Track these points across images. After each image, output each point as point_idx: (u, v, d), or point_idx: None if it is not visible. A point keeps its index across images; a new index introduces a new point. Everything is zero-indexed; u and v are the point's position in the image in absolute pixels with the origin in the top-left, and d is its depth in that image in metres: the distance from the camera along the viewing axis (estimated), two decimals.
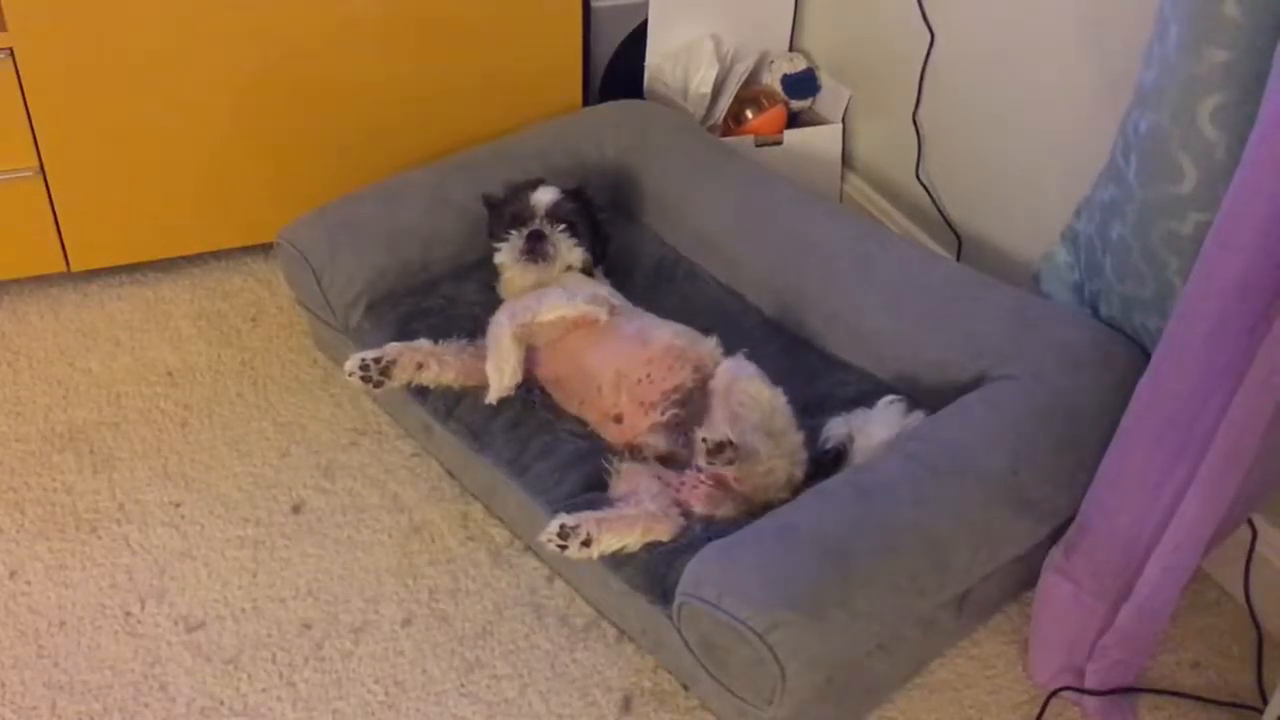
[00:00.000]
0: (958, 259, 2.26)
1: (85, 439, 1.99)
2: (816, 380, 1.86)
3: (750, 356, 1.73)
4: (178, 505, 1.88)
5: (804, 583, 1.40)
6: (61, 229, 2.20)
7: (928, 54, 2.25)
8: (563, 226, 1.89)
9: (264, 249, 2.39)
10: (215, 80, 2.16)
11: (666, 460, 1.69)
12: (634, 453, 1.72)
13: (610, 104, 2.39)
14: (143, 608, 1.72)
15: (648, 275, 2.11)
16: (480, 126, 2.35)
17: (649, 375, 1.74)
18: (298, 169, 2.29)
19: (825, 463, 1.67)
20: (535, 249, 1.87)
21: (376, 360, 1.78)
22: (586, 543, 1.54)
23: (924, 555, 1.48)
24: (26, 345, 2.19)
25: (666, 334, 1.80)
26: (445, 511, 1.88)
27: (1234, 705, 1.63)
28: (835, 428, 1.71)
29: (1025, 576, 1.67)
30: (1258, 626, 1.72)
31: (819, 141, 2.57)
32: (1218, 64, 1.41)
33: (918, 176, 2.37)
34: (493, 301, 1.94)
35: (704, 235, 2.13)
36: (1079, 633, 1.58)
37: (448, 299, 2.02)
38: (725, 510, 1.62)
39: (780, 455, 1.62)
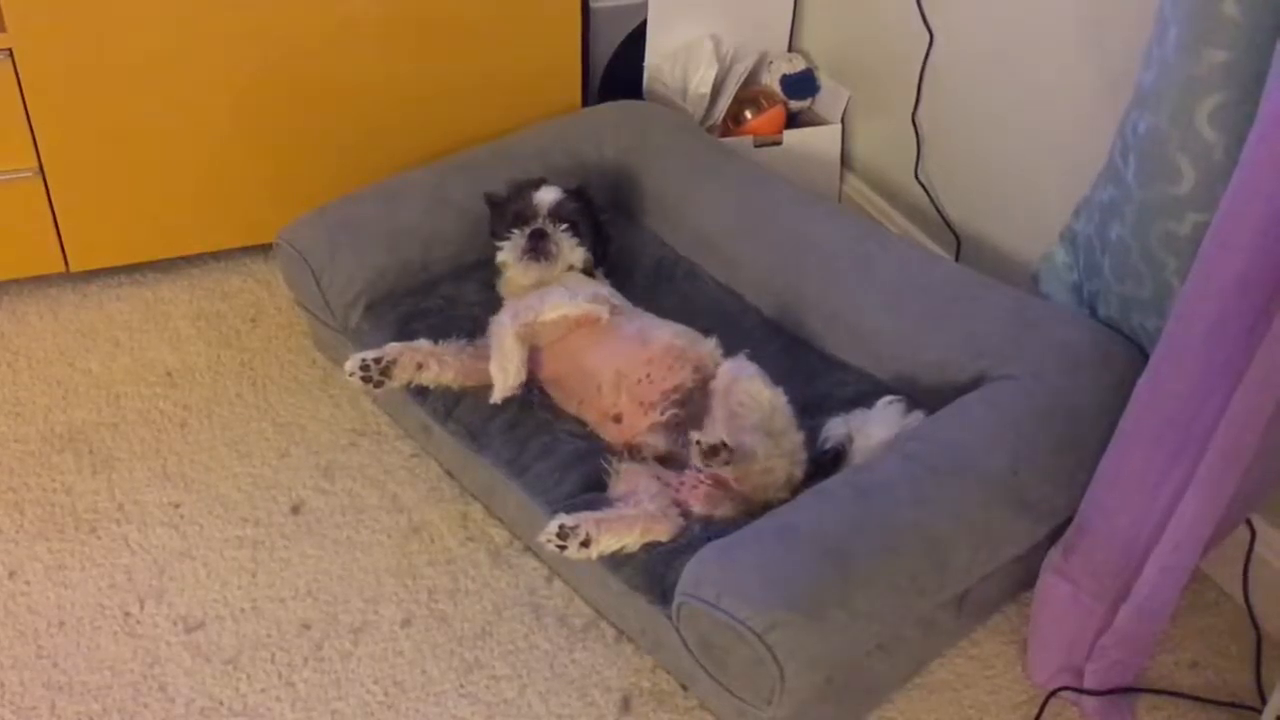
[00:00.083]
0: (957, 259, 2.26)
1: (84, 439, 1.99)
2: (816, 380, 1.86)
3: (750, 357, 1.73)
4: (177, 506, 1.88)
5: (803, 583, 1.40)
6: (61, 229, 2.20)
7: (927, 54, 2.25)
8: (565, 226, 1.89)
9: (263, 249, 2.39)
10: (214, 80, 2.16)
11: (666, 460, 1.70)
12: (633, 453, 1.72)
13: (609, 104, 2.39)
14: (142, 608, 1.72)
15: (647, 275, 2.11)
16: (480, 127, 2.35)
17: (649, 375, 1.74)
18: (297, 169, 2.29)
19: (824, 463, 1.67)
20: (538, 248, 1.87)
21: (377, 360, 1.78)
22: (585, 543, 1.54)
23: (923, 555, 1.48)
24: (26, 345, 2.19)
25: (666, 334, 1.80)
26: (444, 512, 1.88)
27: (1232, 705, 1.63)
28: (834, 428, 1.71)
29: (1024, 577, 1.67)
30: (1256, 627, 1.72)
31: (818, 142, 2.57)
32: (1216, 65, 1.41)
33: (917, 177, 2.37)
34: (493, 301, 1.95)
35: (703, 235, 2.13)
36: (1078, 633, 1.58)
37: (447, 299, 2.02)
38: (724, 510, 1.62)
39: (780, 455, 1.62)
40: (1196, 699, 1.63)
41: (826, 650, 1.41)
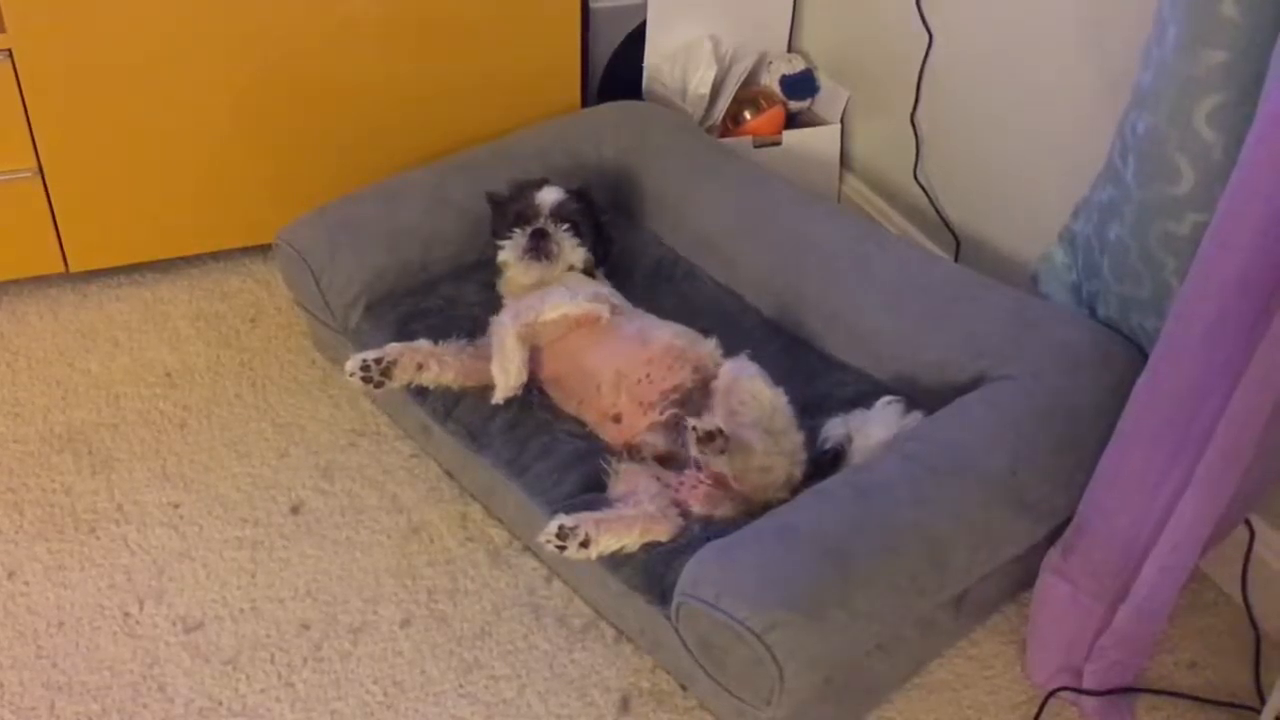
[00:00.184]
0: (956, 260, 2.26)
1: (84, 440, 1.99)
2: (815, 380, 1.86)
3: (750, 357, 1.73)
4: (176, 506, 1.88)
5: (802, 583, 1.40)
6: (60, 230, 2.20)
7: (926, 55, 2.25)
8: (566, 226, 1.90)
9: (263, 250, 2.39)
10: (214, 81, 2.16)
11: (665, 460, 1.70)
12: (632, 453, 1.72)
13: (609, 105, 2.39)
14: (141, 608, 1.72)
15: (647, 276, 2.11)
16: (479, 127, 2.35)
17: (648, 375, 1.75)
18: (297, 169, 2.29)
19: (824, 463, 1.67)
20: (539, 247, 1.88)
21: (377, 361, 1.78)
22: (585, 543, 1.54)
23: (922, 555, 1.48)
24: (25, 346, 2.19)
25: (666, 334, 1.80)
26: (444, 512, 1.88)
27: (1231, 705, 1.63)
28: (834, 428, 1.71)
29: (1023, 577, 1.67)
30: (1255, 627, 1.72)
31: (817, 142, 2.57)
32: (1215, 65, 1.42)
33: (916, 177, 2.37)
34: (493, 302, 1.95)
35: (703, 236, 2.13)
36: (1077, 633, 1.58)
37: (447, 299, 2.02)
38: (724, 510, 1.62)
39: (779, 454, 1.62)
40: (1195, 699, 1.63)
41: (826, 650, 1.41)
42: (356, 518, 1.87)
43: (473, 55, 2.32)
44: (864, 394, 1.78)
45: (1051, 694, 1.62)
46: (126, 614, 1.71)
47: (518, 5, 2.30)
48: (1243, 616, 1.74)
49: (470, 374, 1.83)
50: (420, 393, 1.84)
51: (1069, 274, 1.86)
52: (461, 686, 1.63)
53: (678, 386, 1.73)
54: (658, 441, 1.71)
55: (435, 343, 1.84)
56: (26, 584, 1.75)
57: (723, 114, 2.56)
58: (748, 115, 2.57)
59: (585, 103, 2.49)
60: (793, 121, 2.63)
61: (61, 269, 2.26)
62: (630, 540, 1.56)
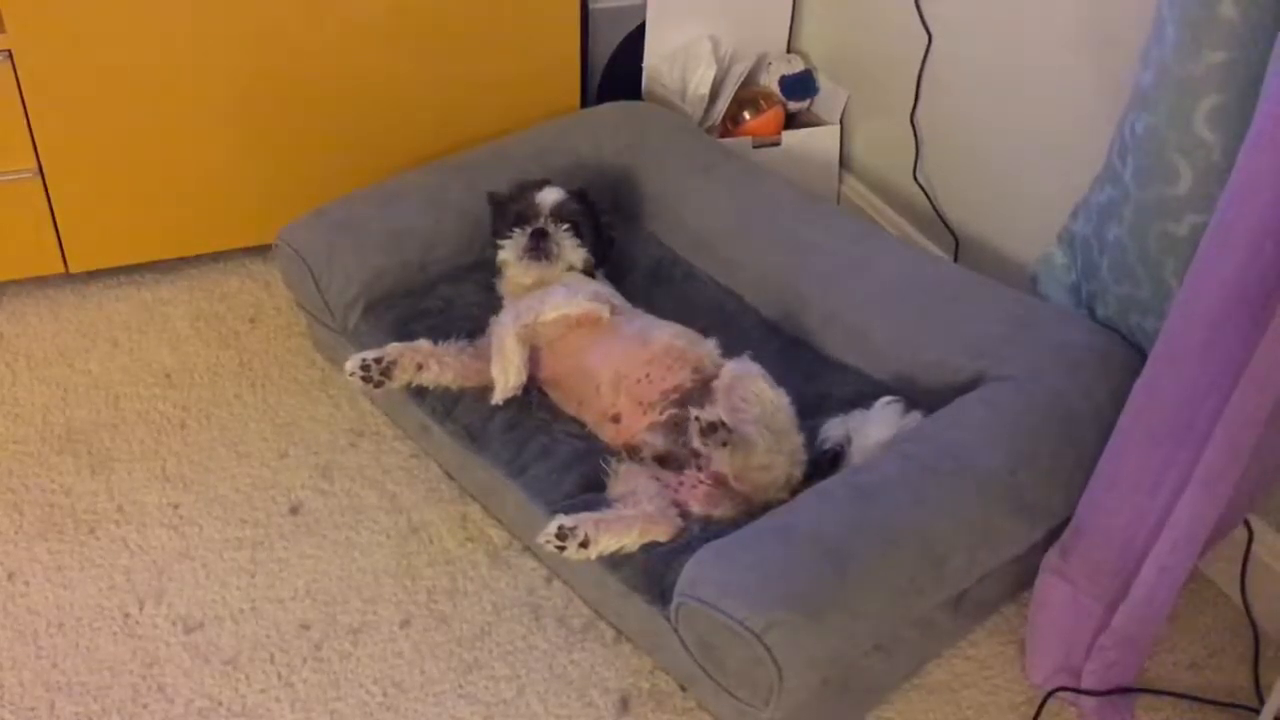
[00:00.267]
0: (955, 260, 2.26)
1: (84, 440, 1.99)
2: (814, 381, 1.86)
3: (750, 358, 1.73)
4: (176, 506, 1.88)
5: (801, 583, 1.41)
6: (60, 230, 2.20)
7: (925, 55, 2.25)
8: (566, 226, 1.90)
9: (262, 250, 2.39)
10: (214, 81, 2.16)
11: (664, 460, 1.70)
12: (631, 453, 1.72)
13: (608, 105, 2.39)
14: (141, 609, 1.72)
15: (646, 276, 2.11)
16: (479, 128, 2.35)
17: (648, 375, 1.75)
18: (296, 170, 2.29)
19: (823, 463, 1.67)
20: (539, 247, 1.88)
21: (377, 361, 1.78)
22: (584, 544, 1.54)
23: (921, 556, 1.48)
24: (25, 346, 2.19)
25: (666, 334, 1.80)
26: (443, 512, 1.88)
27: (1231, 705, 1.63)
28: (833, 428, 1.71)
29: (1022, 577, 1.67)
30: (1254, 627, 1.72)
31: (817, 143, 2.58)
32: (1214, 65, 1.42)
33: (915, 178, 2.37)
34: (491, 302, 1.95)
35: (702, 236, 2.13)
36: (1076, 633, 1.59)
37: (446, 300, 2.02)
38: (723, 510, 1.62)
39: (780, 453, 1.62)
40: (1195, 699, 1.63)
41: (825, 650, 1.41)
42: (356, 518, 1.87)
43: (472, 56, 2.32)
44: (863, 394, 1.78)
45: (1050, 694, 1.62)
46: (126, 614, 1.71)
47: (517, 6, 2.30)
48: (1242, 616, 1.75)
49: (470, 374, 1.83)
50: (419, 393, 1.84)
51: (1068, 274, 1.86)
52: (461, 687, 1.63)
53: (677, 387, 1.73)
54: (657, 442, 1.71)
55: (435, 343, 1.84)
56: (26, 584, 1.75)
57: (722, 114, 2.56)
58: (747, 116, 2.57)
59: (585, 103, 2.49)
60: (792, 122, 2.63)
61: (61, 269, 2.26)
62: (629, 540, 1.56)
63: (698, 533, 1.58)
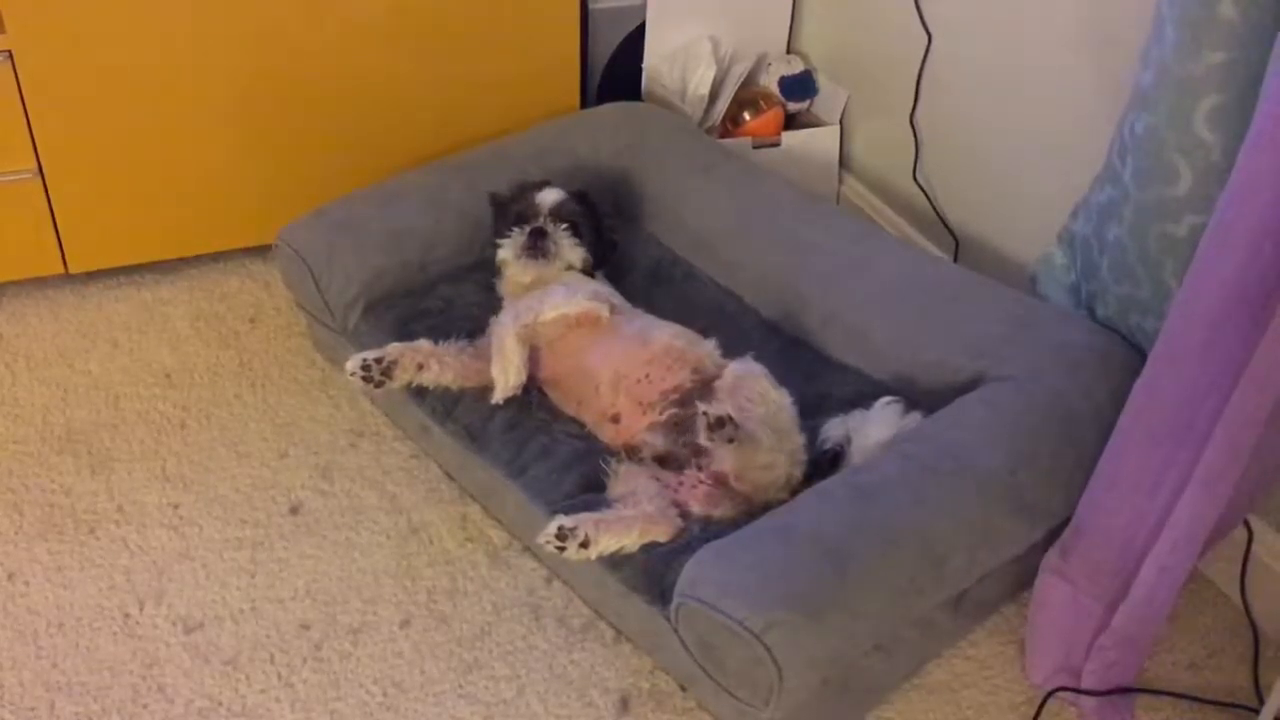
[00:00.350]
0: (955, 260, 2.26)
1: (84, 440, 1.99)
2: (814, 381, 1.86)
3: (752, 359, 1.73)
4: (176, 506, 1.88)
5: (801, 583, 1.41)
6: (60, 231, 2.20)
7: (925, 56, 2.25)
8: (565, 226, 1.90)
9: (262, 250, 2.39)
10: (214, 81, 2.16)
11: (664, 461, 1.70)
12: (631, 453, 1.72)
13: (608, 105, 2.39)
14: (141, 609, 1.72)
15: (646, 277, 2.11)
16: (479, 128, 2.35)
17: (648, 375, 1.75)
18: (296, 170, 2.29)
19: (823, 464, 1.67)
20: (536, 246, 1.89)
21: (378, 360, 1.78)
22: (584, 544, 1.54)
23: (921, 556, 1.48)
24: (25, 347, 2.19)
25: (666, 335, 1.80)
26: (443, 513, 1.88)
27: (1230, 705, 1.63)
28: (833, 429, 1.71)
29: (1022, 577, 1.67)
30: (1254, 627, 1.73)
31: (816, 143, 2.58)
32: (1214, 65, 1.42)
33: (915, 178, 2.37)
34: (491, 303, 1.95)
35: (702, 237, 2.13)
36: (1076, 633, 1.59)
37: (446, 300, 2.02)
38: (723, 510, 1.62)
39: (782, 453, 1.62)
40: (1194, 699, 1.63)
41: (824, 650, 1.41)
42: (356, 518, 1.87)
43: (472, 56, 2.32)
44: (863, 394, 1.78)
45: (1050, 694, 1.62)
46: (126, 614, 1.71)
47: (517, 6, 2.30)
48: (1241, 617, 1.75)
49: (470, 374, 1.83)
50: (420, 393, 1.84)
51: (1068, 275, 1.86)
52: (461, 687, 1.63)
53: (677, 387, 1.73)
54: (657, 442, 1.71)
55: (435, 343, 1.84)
56: (26, 584, 1.75)
57: (722, 115, 2.56)
58: (747, 116, 2.57)
59: (584, 104, 2.49)
60: (792, 122, 2.63)
61: (61, 270, 2.26)
62: (629, 541, 1.56)
63: (698, 533, 1.58)
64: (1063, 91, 1.95)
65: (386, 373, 1.78)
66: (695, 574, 1.44)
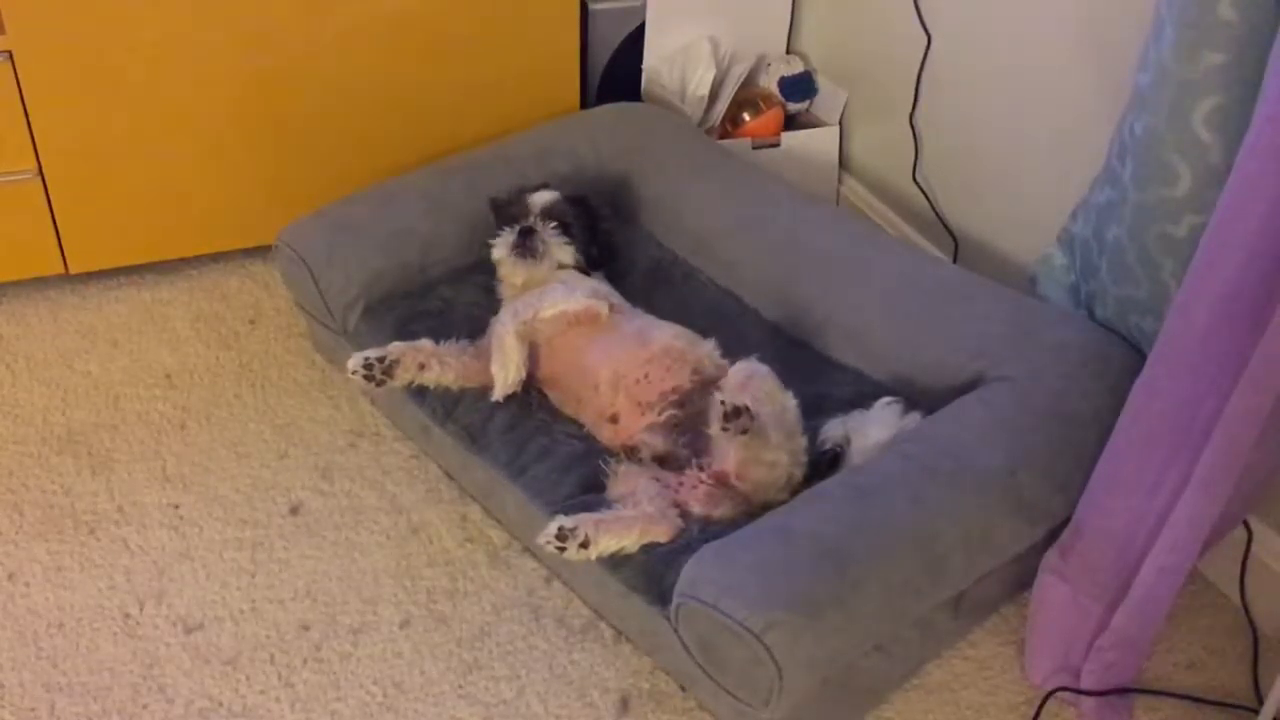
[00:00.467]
0: (954, 261, 2.26)
1: (84, 441, 1.99)
2: (813, 382, 1.86)
3: (756, 360, 1.73)
4: (176, 507, 1.88)
5: (801, 583, 1.41)
6: (60, 231, 2.21)
7: (925, 56, 2.25)
8: (554, 225, 1.91)
9: (262, 251, 2.39)
10: (214, 82, 2.17)
11: (664, 461, 1.70)
12: (630, 454, 1.72)
13: (608, 106, 2.39)
14: (141, 609, 1.72)
15: (645, 277, 2.11)
16: (478, 129, 2.35)
17: (647, 375, 1.75)
18: (296, 171, 2.29)
19: (822, 464, 1.67)
20: (525, 244, 1.90)
21: (380, 359, 1.79)
22: (584, 544, 1.54)
23: (921, 556, 1.48)
24: (25, 347, 2.19)
25: (666, 335, 1.80)
26: (443, 513, 1.88)
27: (1230, 706, 1.63)
28: (832, 429, 1.71)
29: (1022, 577, 1.67)
30: (1253, 627, 1.73)
31: (816, 144, 2.58)
32: (1213, 66, 1.42)
33: (914, 179, 2.37)
34: (491, 304, 1.95)
35: (701, 237, 2.13)
36: (1075, 633, 1.59)
37: (445, 301, 2.02)
38: (723, 510, 1.62)
39: (786, 451, 1.62)
40: (1194, 699, 1.64)
41: (824, 651, 1.41)
42: (356, 519, 1.87)
43: (472, 57, 2.32)
44: (862, 395, 1.78)
45: (1050, 694, 1.62)
46: (126, 615, 1.71)
47: (517, 7, 2.30)
48: (1241, 617, 1.75)
49: (470, 374, 1.83)
50: (420, 393, 1.84)
51: (1067, 275, 1.86)
52: (461, 687, 1.63)
53: (676, 388, 1.74)
54: (656, 442, 1.71)
55: (437, 343, 1.84)
56: (27, 585, 1.75)
57: (721, 115, 2.57)
58: (746, 117, 2.57)
59: (584, 104, 2.49)
60: (791, 123, 2.63)
61: (61, 270, 2.26)
62: (629, 541, 1.56)
63: (697, 533, 1.58)
64: (1062, 92, 1.95)
65: (388, 372, 1.79)
66: (695, 574, 1.44)
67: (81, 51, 2.06)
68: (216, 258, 2.40)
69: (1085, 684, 1.59)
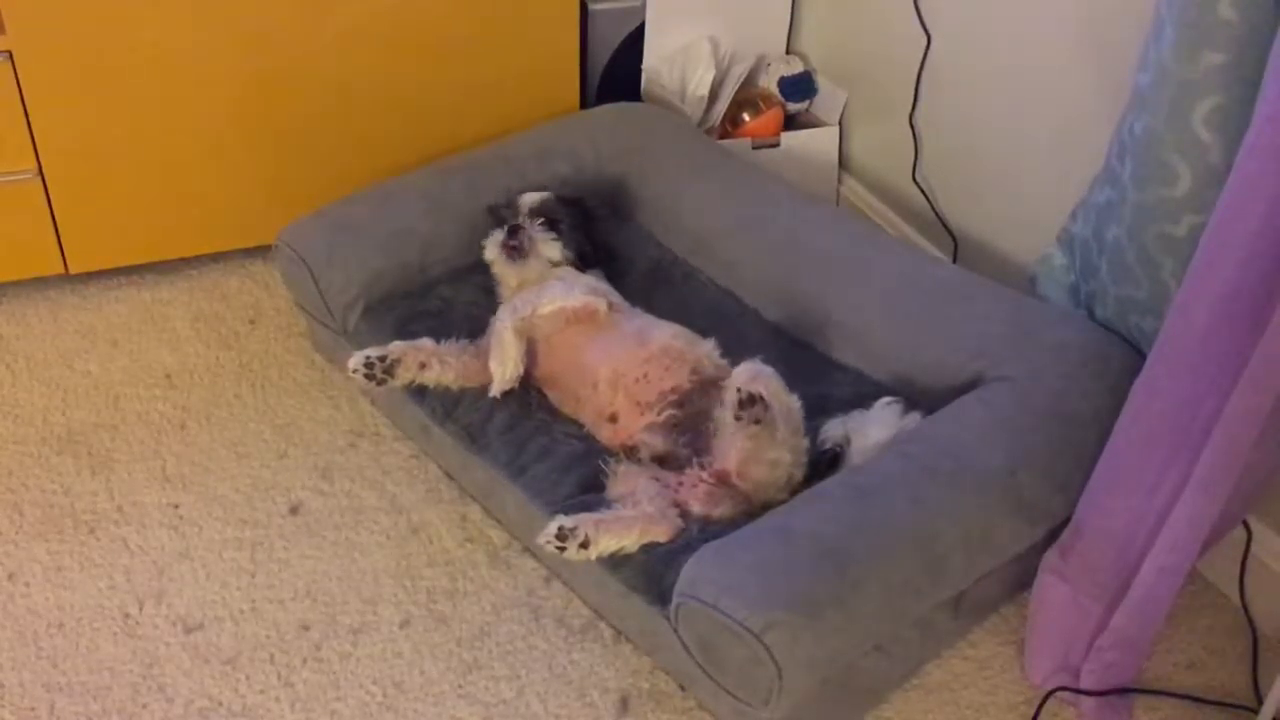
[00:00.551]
0: (954, 261, 2.26)
1: (84, 441, 1.99)
2: (813, 382, 1.86)
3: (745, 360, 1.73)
4: (176, 507, 1.88)
5: (801, 583, 1.41)
6: (60, 231, 2.21)
7: (924, 56, 2.26)
8: (541, 221, 1.93)
9: (262, 251, 2.39)
10: (214, 82, 2.17)
11: (664, 461, 1.70)
12: (629, 454, 1.72)
13: (608, 106, 2.39)
14: (141, 609, 1.72)
15: (645, 277, 2.11)
16: (478, 129, 2.35)
17: (646, 375, 1.75)
18: (296, 171, 2.29)
19: (822, 464, 1.67)
20: (512, 242, 1.92)
21: (381, 358, 1.79)
22: (584, 544, 1.54)
23: (921, 556, 1.48)
24: (25, 348, 2.19)
25: (665, 334, 1.80)
26: (443, 513, 1.88)
27: (1229, 706, 1.63)
28: (832, 429, 1.71)
29: (1022, 577, 1.67)
30: (1253, 627, 1.73)
31: (816, 144, 2.58)
32: (1212, 66, 1.42)
33: (914, 179, 2.37)
34: (490, 304, 1.96)
35: (701, 237, 2.13)
36: (1075, 633, 1.59)
37: (445, 301, 2.02)
38: (723, 510, 1.62)
39: (790, 449, 1.62)
40: (1193, 699, 1.64)
41: (824, 651, 1.41)
42: (356, 518, 1.87)
43: (472, 57, 2.32)
44: (862, 395, 1.78)
45: (1050, 694, 1.62)
46: (126, 614, 1.71)
47: (516, 7, 2.30)
48: (1240, 617, 1.75)
49: (471, 374, 1.83)
50: (419, 393, 1.84)
51: (1067, 275, 1.86)
52: (461, 687, 1.63)
53: (675, 388, 1.74)
54: (655, 442, 1.71)
55: (437, 342, 1.85)
56: (27, 585, 1.75)
57: (721, 116, 2.57)
58: (746, 117, 2.57)
59: (584, 104, 2.49)
60: (791, 123, 2.63)
61: (61, 270, 2.26)
62: (629, 541, 1.56)
63: (697, 533, 1.58)
64: (1062, 92, 1.95)
65: (389, 371, 1.79)
66: (695, 574, 1.44)
67: (81, 51, 2.06)
68: (216, 258, 2.40)
69: (1085, 684, 1.59)
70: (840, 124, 2.58)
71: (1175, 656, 1.70)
